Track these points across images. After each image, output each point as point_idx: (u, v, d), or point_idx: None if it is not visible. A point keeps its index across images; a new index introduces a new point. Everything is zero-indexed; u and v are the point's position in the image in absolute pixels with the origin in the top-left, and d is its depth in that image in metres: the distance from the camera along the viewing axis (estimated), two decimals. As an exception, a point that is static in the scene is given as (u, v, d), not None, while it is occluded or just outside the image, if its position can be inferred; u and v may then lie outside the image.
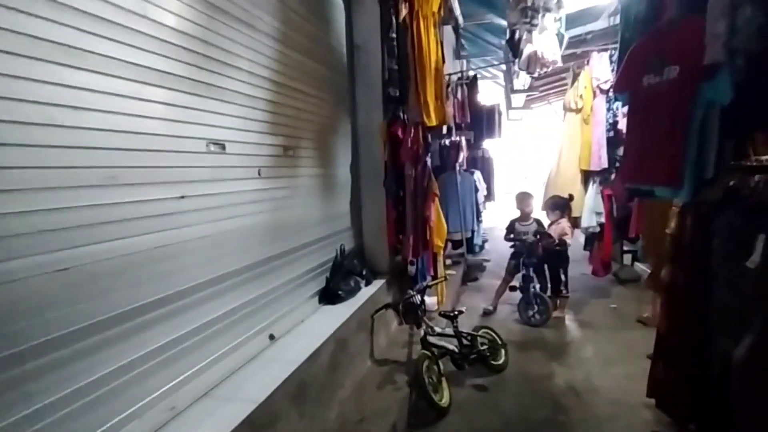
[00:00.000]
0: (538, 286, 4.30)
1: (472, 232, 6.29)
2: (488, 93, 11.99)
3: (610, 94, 4.50)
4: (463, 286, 5.62)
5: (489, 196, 8.48)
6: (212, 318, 2.05)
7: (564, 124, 4.78)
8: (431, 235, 3.67)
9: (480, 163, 8.94)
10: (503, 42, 8.52)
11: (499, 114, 9.18)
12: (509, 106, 11.70)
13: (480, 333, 3.32)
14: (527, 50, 3.68)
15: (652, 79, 1.78)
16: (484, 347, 3.22)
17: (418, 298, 3.24)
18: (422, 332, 3.05)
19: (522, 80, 7.93)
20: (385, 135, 3.83)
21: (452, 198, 6.17)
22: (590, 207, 4.54)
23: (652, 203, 2.90)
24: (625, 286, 5.24)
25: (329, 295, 3.19)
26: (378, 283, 3.76)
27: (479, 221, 6.58)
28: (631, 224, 3.29)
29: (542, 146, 16.11)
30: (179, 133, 1.86)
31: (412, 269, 3.86)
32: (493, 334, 3.42)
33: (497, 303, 4.62)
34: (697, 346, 2.10)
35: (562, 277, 4.29)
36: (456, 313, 3.24)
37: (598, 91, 4.46)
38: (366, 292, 3.48)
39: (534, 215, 4.51)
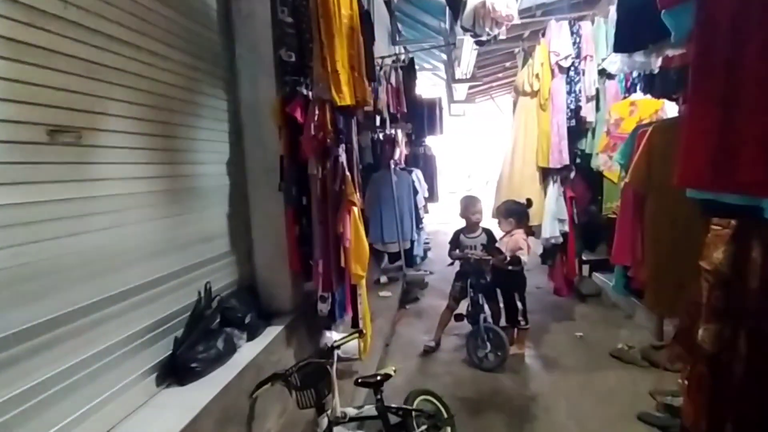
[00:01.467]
0: (489, 316, 3.38)
1: (412, 242, 5.30)
2: (428, 87, 11.19)
3: (572, 73, 3.65)
4: (401, 310, 4.60)
5: (432, 197, 7.73)
6: None
7: (516, 113, 3.89)
8: (347, 261, 2.58)
9: (422, 160, 8.18)
10: (442, 24, 7.67)
11: (441, 108, 8.43)
12: (451, 100, 10.93)
13: (416, 405, 2.28)
14: (472, 0, 2.71)
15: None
16: (423, 428, 2.18)
17: (326, 358, 2.14)
18: (325, 422, 1.95)
19: (464, 67, 7.08)
20: (279, 118, 2.70)
21: (387, 202, 5.14)
22: (552, 213, 3.68)
23: (659, 212, 1.98)
24: (586, 303, 4.46)
25: (176, 370, 2.00)
26: (273, 331, 2.61)
27: (420, 228, 5.61)
28: (616, 246, 2.35)
29: (486, 142, 15.66)
30: None
31: (323, 307, 2.76)
32: (436, 402, 2.39)
33: (440, 336, 3.64)
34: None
35: (519, 304, 3.38)
36: (380, 378, 2.17)
37: (556, 69, 3.60)
38: (247, 353, 2.32)
39: (484, 224, 3.58)
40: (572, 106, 3.64)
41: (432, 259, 6.77)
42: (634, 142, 2.15)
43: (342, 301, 2.85)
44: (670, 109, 3.22)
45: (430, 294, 5.08)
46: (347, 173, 2.64)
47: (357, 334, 2.28)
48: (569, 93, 3.65)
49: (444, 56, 9.14)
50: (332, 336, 2.88)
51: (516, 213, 3.38)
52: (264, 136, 2.77)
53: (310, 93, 2.77)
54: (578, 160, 3.91)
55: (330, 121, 2.57)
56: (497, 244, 3.35)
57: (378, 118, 5.38)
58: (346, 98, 2.59)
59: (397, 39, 8.40)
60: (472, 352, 3.26)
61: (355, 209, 2.61)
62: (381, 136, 5.69)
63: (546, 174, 3.79)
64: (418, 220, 5.44)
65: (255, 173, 2.81)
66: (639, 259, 2.10)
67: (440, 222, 9.88)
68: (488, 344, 3.19)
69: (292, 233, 2.74)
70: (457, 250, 3.54)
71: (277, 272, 2.85)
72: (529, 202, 3.48)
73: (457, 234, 3.60)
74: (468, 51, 5.89)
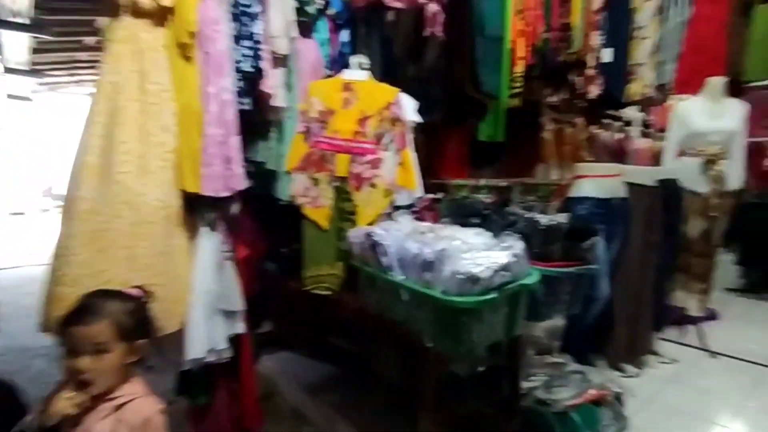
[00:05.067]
0: None
1: None
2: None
3: (242, -5, 1.72)
4: None
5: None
6: None
7: (108, 61, 1.56)
8: None
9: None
10: None
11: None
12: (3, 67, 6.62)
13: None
14: None
15: None
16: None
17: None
18: None
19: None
20: None
21: None
22: (208, 297, 1.58)
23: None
24: None
25: None
26: None
27: None
28: None
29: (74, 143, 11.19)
30: None
31: None
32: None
33: None
34: None
35: None
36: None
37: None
38: None
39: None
40: (245, 67, 1.71)
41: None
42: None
43: None
44: (408, 103, 1.88)
45: None
46: None
47: None
48: (238, 40, 1.70)
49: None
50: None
51: (129, 327, 1.11)
52: None
53: None
54: (249, 181, 2.00)
55: None
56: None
57: None
58: None
59: None
60: None
61: None
62: None
63: (191, 209, 1.67)
64: None
65: None
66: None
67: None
68: None
69: None
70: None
71: None
72: (146, 292, 1.26)
73: None
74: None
